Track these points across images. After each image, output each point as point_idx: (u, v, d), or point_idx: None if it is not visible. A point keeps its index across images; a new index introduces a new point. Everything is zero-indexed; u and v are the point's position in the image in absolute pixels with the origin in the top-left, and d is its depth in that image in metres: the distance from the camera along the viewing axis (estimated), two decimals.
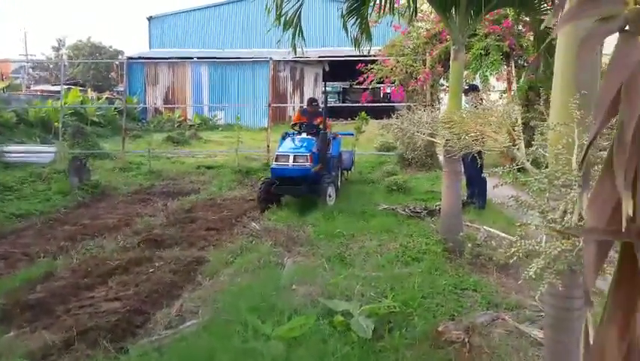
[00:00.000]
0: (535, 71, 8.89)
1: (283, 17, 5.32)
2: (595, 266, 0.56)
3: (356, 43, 6.19)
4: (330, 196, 8.10)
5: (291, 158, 8.03)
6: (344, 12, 5.85)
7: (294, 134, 9.00)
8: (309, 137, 8.60)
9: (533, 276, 1.59)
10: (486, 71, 10.66)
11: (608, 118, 0.63)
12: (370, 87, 13.27)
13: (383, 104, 13.80)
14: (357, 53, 7.00)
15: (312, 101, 9.87)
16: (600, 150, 1.48)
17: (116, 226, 7.31)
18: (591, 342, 0.57)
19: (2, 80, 20.20)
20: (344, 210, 7.71)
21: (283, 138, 8.97)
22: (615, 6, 0.74)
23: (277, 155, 8.27)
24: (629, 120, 0.58)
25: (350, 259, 5.64)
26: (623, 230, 0.54)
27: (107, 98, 27.77)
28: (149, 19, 33.81)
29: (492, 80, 11.35)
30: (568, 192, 1.56)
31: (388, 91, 13.40)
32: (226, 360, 3.21)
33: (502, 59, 10.76)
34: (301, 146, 8.30)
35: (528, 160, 2.03)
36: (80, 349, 3.73)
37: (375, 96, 18.36)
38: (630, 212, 0.53)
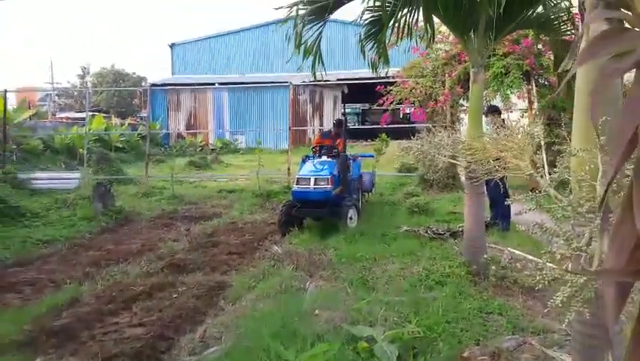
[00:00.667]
0: (556, 94, 8.82)
1: (303, 45, 5.39)
2: (616, 307, 0.56)
3: (373, 66, 6.23)
4: (351, 218, 8.10)
5: (312, 181, 8.03)
6: (362, 37, 5.91)
7: (313, 157, 9.00)
8: (330, 159, 8.61)
9: (560, 305, 1.57)
10: (507, 89, 10.61)
11: (626, 156, 0.63)
12: (390, 109, 13.30)
13: (403, 125, 13.80)
14: (376, 76, 7.05)
15: (340, 123, 9.69)
16: (620, 186, 1.47)
17: (139, 251, 7.39)
18: None
19: (29, 108, 20.73)
20: (365, 232, 7.68)
21: (303, 161, 8.98)
22: (631, 42, 0.74)
23: (298, 178, 8.29)
24: None
25: (373, 283, 5.60)
26: None
27: (130, 124, 28.33)
28: (172, 46, 34.59)
29: (513, 99, 11.29)
30: (593, 220, 1.54)
31: (408, 112, 13.38)
32: None
33: (522, 78, 10.71)
34: (322, 169, 8.31)
35: (551, 187, 2.02)
36: None
37: (395, 117, 18.40)
38: None
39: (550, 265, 1.72)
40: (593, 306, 1.66)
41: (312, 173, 8.23)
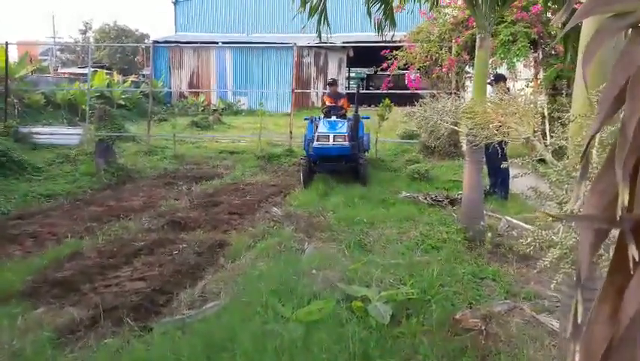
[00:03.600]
0: (562, 60, 8.73)
1: (308, 3, 5.32)
2: (590, 251, 0.59)
3: (379, 28, 6.16)
4: (366, 176, 8.89)
5: (331, 138, 8.78)
6: None
7: (318, 118, 9.77)
8: (340, 119, 9.43)
9: (549, 265, 1.61)
10: (513, 57, 10.48)
11: (613, 111, 0.65)
12: (393, 74, 13.17)
13: (406, 91, 13.72)
14: (382, 39, 6.99)
15: (334, 82, 10.75)
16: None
17: (140, 208, 7.47)
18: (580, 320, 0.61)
19: (31, 62, 20.54)
20: (365, 197, 7.74)
21: (311, 122, 9.81)
22: (629, 2, 0.74)
23: (318, 135, 8.93)
24: (632, 116, 0.60)
25: (370, 245, 5.68)
26: (618, 219, 0.57)
27: (132, 81, 28.08)
28: (175, 2, 33.97)
29: (519, 67, 11.17)
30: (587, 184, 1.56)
31: (412, 77, 13.26)
32: (247, 341, 3.29)
33: (529, 46, 10.57)
34: (338, 127, 9.09)
35: (549, 151, 2.04)
36: (106, 326, 3.85)
37: (399, 83, 18.25)
38: (626, 202, 0.56)
39: (544, 227, 1.76)
40: None
41: (331, 130, 8.96)
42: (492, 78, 7.62)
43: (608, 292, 0.59)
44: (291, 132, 13.36)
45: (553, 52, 10.95)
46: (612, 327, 0.57)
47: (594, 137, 0.67)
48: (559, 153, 2.14)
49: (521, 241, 1.91)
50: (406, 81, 14.27)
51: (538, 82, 10.79)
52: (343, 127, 9.11)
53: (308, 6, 5.35)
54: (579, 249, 0.61)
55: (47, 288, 4.59)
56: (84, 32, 50.10)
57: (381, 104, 11.84)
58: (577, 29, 2.50)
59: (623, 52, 0.69)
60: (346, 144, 8.74)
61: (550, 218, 1.66)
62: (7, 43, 15.16)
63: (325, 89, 26.79)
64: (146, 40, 43.66)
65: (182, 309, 4.18)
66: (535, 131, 2.16)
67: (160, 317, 4.08)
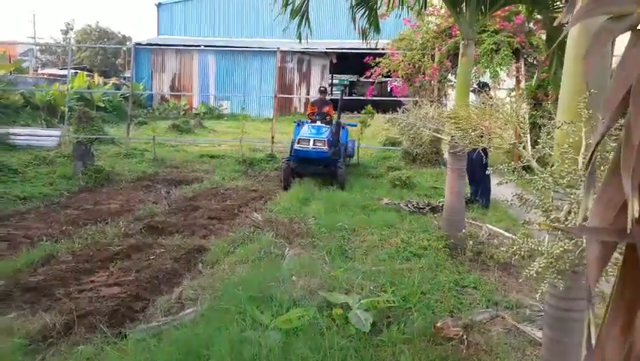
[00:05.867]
0: (546, 71, 8.81)
1: (290, 5, 5.27)
2: (598, 266, 0.55)
3: (364, 34, 6.14)
4: (342, 178, 9.11)
5: (311, 142, 9.12)
6: (353, 3, 5.81)
7: (307, 122, 10.10)
8: (324, 125, 9.72)
9: (534, 275, 1.58)
10: (496, 66, 10.56)
11: (616, 117, 0.62)
12: (377, 81, 13.21)
13: (389, 98, 13.76)
14: (365, 46, 6.99)
15: (323, 89, 11.10)
16: (607, 152, 1.46)
17: (118, 212, 7.32)
18: (593, 342, 0.56)
19: (10, 62, 20.17)
20: (346, 203, 7.70)
21: (298, 125, 10.14)
22: (628, 5, 0.72)
23: (299, 138, 9.27)
24: (637, 122, 0.57)
25: (351, 252, 5.64)
26: (628, 231, 0.53)
27: (113, 83, 27.76)
28: (158, 5, 33.72)
29: (502, 75, 11.26)
30: (573, 192, 1.54)
31: (397, 84, 13.31)
32: (224, 348, 3.21)
33: (512, 55, 10.67)
34: (319, 132, 9.40)
35: (534, 158, 2.01)
36: (79, 332, 3.74)
37: (382, 91, 18.31)
38: (636, 213, 0.52)
39: (528, 236, 1.72)
40: (567, 278, 1.67)
41: (312, 135, 9.29)
42: (475, 86, 7.66)
43: (618, 308, 0.54)
44: (272, 137, 13.29)
45: (535, 62, 11.07)
46: (624, 346, 0.53)
47: (599, 143, 0.63)
48: (542, 161, 2.12)
49: (503, 249, 1.88)
50: (389, 88, 14.32)
51: (520, 91, 10.89)
52: (325, 133, 9.39)
53: (290, 8, 5.31)
54: (587, 263, 0.56)
55: (19, 293, 4.45)
56: (65, 33, 49.57)
57: (364, 111, 11.88)
58: (563, 40, 2.50)
59: (625, 55, 0.66)
60: (325, 148, 9.04)
61: (537, 227, 1.63)
62: None
63: (308, 95, 26.86)
64: (128, 43, 43.23)
65: (158, 316, 4.08)
66: (520, 138, 2.14)
67: (135, 323, 3.97)
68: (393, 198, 8.19)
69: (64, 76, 21.19)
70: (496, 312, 4.09)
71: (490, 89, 7.96)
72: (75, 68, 29.20)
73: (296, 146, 9.26)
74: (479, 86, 7.73)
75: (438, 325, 3.78)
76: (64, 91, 17.07)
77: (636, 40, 0.68)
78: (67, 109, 14.97)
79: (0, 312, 4.08)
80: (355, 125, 11.66)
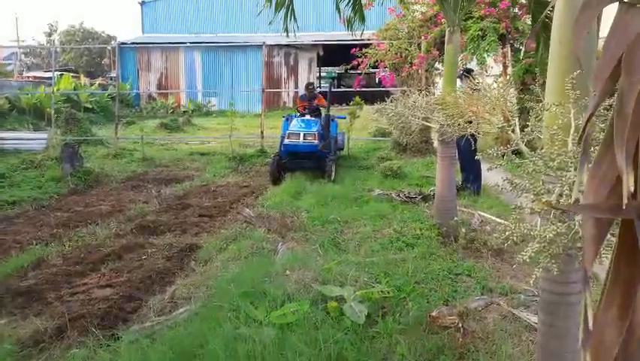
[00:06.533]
0: (532, 55, 8.81)
1: None
2: (594, 244, 0.52)
3: (349, 24, 6.10)
4: (332, 172, 9.04)
5: (301, 136, 9.05)
6: None
7: (296, 116, 9.99)
8: (314, 118, 9.65)
9: (528, 260, 1.55)
10: (483, 52, 10.56)
11: (607, 89, 0.59)
12: (364, 72, 13.17)
13: (377, 89, 13.73)
14: (352, 37, 6.95)
15: (309, 85, 10.92)
16: (597, 132, 1.44)
17: (108, 213, 7.26)
18: (590, 324, 0.54)
19: None
20: (338, 196, 7.67)
21: (287, 120, 9.98)
22: None
23: (289, 133, 9.21)
24: (630, 92, 0.54)
25: (344, 244, 5.62)
26: (624, 207, 0.50)
27: (99, 84, 27.51)
28: (142, 3, 33.40)
29: (489, 62, 11.26)
30: (564, 175, 1.51)
31: (384, 74, 13.27)
32: (218, 346, 3.18)
33: (498, 41, 10.66)
34: (309, 125, 9.32)
35: (523, 142, 1.99)
36: (72, 336, 3.70)
37: (370, 81, 18.27)
38: (631, 188, 0.49)
39: (520, 221, 1.70)
40: (561, 262, 1.66)
41: (302, 129, 9.21)
42: (461, 72, 7.63)
43: (614, 289, 0.51)
44: (262, 132, 13.23)
45: (521, 47, 11.07)
46: (622, 328, 0.50)
47: (591, 117, 0.60)
48: (530, 145, 2.10)
49: (496, 235, 1.86)
50: (377, 79, 14.29)
51: (508, 77, 10.89)
52: (315, 126, 9.30)
53: (274, 1, 5.25)
54: (582, 241, 0.53)
55: (10, 298, 4.41)
56: (49, 35, 48.91)
57: (352, 102, 11.84)
58: (547, 18, 2.48)
59: (615, 26, 0.64)
60: (315, 142, 8.98)
61: (529, 211, 1.60)
62: None
63: (297, 88, 26.77)
64: (112, 42, 42.83)
65: (151, 316, 4.05)
66: (509, 121, 2.11)
67: (128, 324, 3.93)
68: (384, 188, 8.17)
69: (50, 78, 20.97)
70: (491, 299, 4.09)
71: (475, 75, 7.94)
72: (60, 70, 28.91)
73: (286, 140, 9.19)
74: (464, 72, 7.71)
75: (433, 314, 3.77)
76: (50, 93, 16.90)
77: (625, 11, 0.65)
78: (53, 111, 14.82)
79: None
80: (345, 118, 11.61)
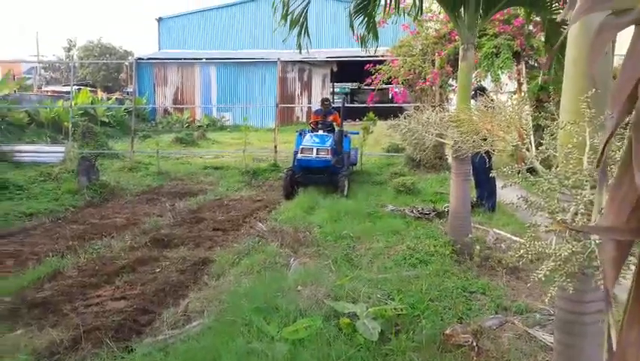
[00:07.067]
0: (547, 72, 8.79)
1: (290, 16, 5.29)
2: (615, 266, 0.53)
3: (363, 41, 6.15)
4: (345, 187, 9.00)
5: (315, 151, 9.09)
6: (351, 11, 5.82)
7: (309, 131, 10.01)
8: (327, 133, 9.65)
9: (543, 278, 1.55)
10: (497, 69, 10.55)
11: (625, 112, 0.60)
12: (378, 88, 13.22)
13: (391, 105, 13.78)
14: (365, 54, 7.00)
15: (325, 100, 10.94)
16: (612, 151, 1.44)
17: (123, 226, 7.33)
18: (613, 345, 0.54)
19: (14, 80, 20.32)
20: (351, 211, 7.67)
21: (300, 135, 10.01)
22: (628, 0, 0.71)
23: (302, 148, 9.25)
24: None
25: (357, 260, 5.60)
26: None
27: (116, 98, 27.89)
28: (159, 20, 33.98)
29: (504, 79, 11.26)
30: (579, 193, 1.51)
31: (397, 90, 13.31)
32: None
33: (512, 58, 10.66)
34: (322, 141, 9.34)
35: (537, 160, 1.99)
36: (86, 347, 3.72)
37: (384, 97, 18.35)
38: None
39: (536, 239, 1.70)
40: (577, 281, 1.65)
41: (315, 144, 9.24)
42: (474, 90, 7.63)
43: (636, 310, 0.52)
44: (275, 147, 13.30)
45: (536, 64, 11.05)
46: None
47: (610, 138, 0.61)
48: (545, 162, 2.10)
49: (511, 253, 1.85)
50: (391, 95, 14.33)
51: (522, 94, 10.87)
52: (328, 141, 9.34)
53: (289, 19, 5.32)
54: (603, 263, 0.54)
55: (27, 309, 4.45)
56: (68, 50, 49.78)
57: (365, 118, 11.88)
58: (563, 41, 2.48)
59: (632, 48, 0.65)
60: (328, 157, 9.01)
61: (544, 229, 1.60)
62: None
63: (310, 104, 26.92)
64: (129, 58, 43.45)
65: (164, 329, 4.06)
66: (523, 139, 2.12)
67: (142, 337, 3.95)
68: (397, 204, 8.15)
69: (68, 92, 21.29)
70: (506, 317, 4.05)
71: (485, 93, 7.94)
72: (78, 85, 29.41)
73: (299, 155, 9.23)
74: (477, 90, 7.69)
75: (447, 332, 3.73)
76: (67, 107, 17.16)
77: None
78: (71, 125, 15.03)
79: (7, 329, 4.07)
80: (358, 133, 11.63)
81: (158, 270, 5.46)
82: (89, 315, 4.33)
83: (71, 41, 49.68)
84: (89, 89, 26.50)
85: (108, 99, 26.29)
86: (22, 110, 17.56)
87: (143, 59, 26.75)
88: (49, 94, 26.56)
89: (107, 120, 21.54)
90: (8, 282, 5.09)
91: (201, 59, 27.48)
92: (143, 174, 12.06)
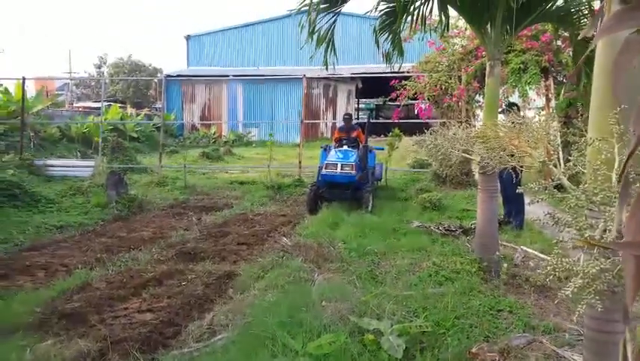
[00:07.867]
0: (575, 88, 8.68)
1: (316, 34, 5.35)
2: (635, 283, 0.53)
3: (387, 58, 6.18)
4: (369, 203, 9.00)
5: (339, 166, 9.12)
6: (376, 28, 5.86)
7: (333, 147, 10.07)
8: (351, 149, 9.68)
9: (570, 296, 1.53)
10: (525, 85, 10.46)
11: None
12: (403, 104, 13.22)
13: (416, 120, 13.76)
14: (390, 70, 7.02)
15: (346, 115, 11.18)
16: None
17: (150, 239, 7.43)
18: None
19: (47, 97, 20.93)
20: (376, 227, 7.64)
21: (325, 150, 10.12)
22: None
23: (326, 163, 9.31)
24: None
25: (381, 277, 5.57)
26: None
27: (145, 114, 28.46)
28: (187, 38, 34.68)
29: (532, 94, 11.15)
30: (607, 210, 1.50)
31: (422, 107, 13.29)
32: None
33: (540, 74, 10.56)
34: (346, 156, 9.38)
35: (565, 176, 1.97)
36: (113, 359, 3.78)
37: (409, 113, 18.33)
38: None
39: (563, 256, 1.68)
40: (606, 299, 1.62)
41: (339, 160, 9.27)
42: (505, 107, 7.59)
43: None
44: (300, 162, 13.37)
45: (564, 80, 10.92)
46: None
47: (631, 156, 0.61)
48: (573, 179, 2.08)
49: (539, 271, 1.83)
50: (416, 111, 14.30)
51: (550, 110, 10.74)
52: (352, 156, 9.36)
53: (315, 37, 5.38)
54: (624, 278, 0.54)
55: (56, 320, 4.53)
56: (99, 67, 51.10)
57: (390, 134, 11.88)
58: (589, 55, 2.47)
59: None
60: (353, 172, 9.01)
61: (570, 246, 1.59)
62: (23, 79, 15.50)
63: (335, 119, 27.03)
64: (158, 75, 44.37)
65: (190, 342, 4.09)
66: (551, 155, 2.10)
67: (168, 349, 3.99)
68: (423, 220, 8.09)
69: (99, 108, 21.86)
70: (534, 337, 3.97)
71: (519, 109, 7.88)
72: (108, 101, 30.11)
73: (323, 171, 9.26)
74: (508, 107, 7.65)
75: (473, 350, 3.68)
76: (98, 123, 17.59)
77: None
78: (101, 140, 15.39)
79: (38, 339, 4.15)
80: (383, 149, 11.63)
81: (184, 283, 5.52)
82: (117, 326, 4.39)
83: (102, 58, 51.02)
84: (119, 105, 27.12)
85: (137, 115, 26.82)
86: (54, 125, 18.08)
87: (171, 76, 27.32)
88: (80, 110, 27.27)
89: (135, 136, 22.00)
90: (39, 293, 5.20)
91: (228, 76, 27.91)
92: (170, 188, 12.24)
